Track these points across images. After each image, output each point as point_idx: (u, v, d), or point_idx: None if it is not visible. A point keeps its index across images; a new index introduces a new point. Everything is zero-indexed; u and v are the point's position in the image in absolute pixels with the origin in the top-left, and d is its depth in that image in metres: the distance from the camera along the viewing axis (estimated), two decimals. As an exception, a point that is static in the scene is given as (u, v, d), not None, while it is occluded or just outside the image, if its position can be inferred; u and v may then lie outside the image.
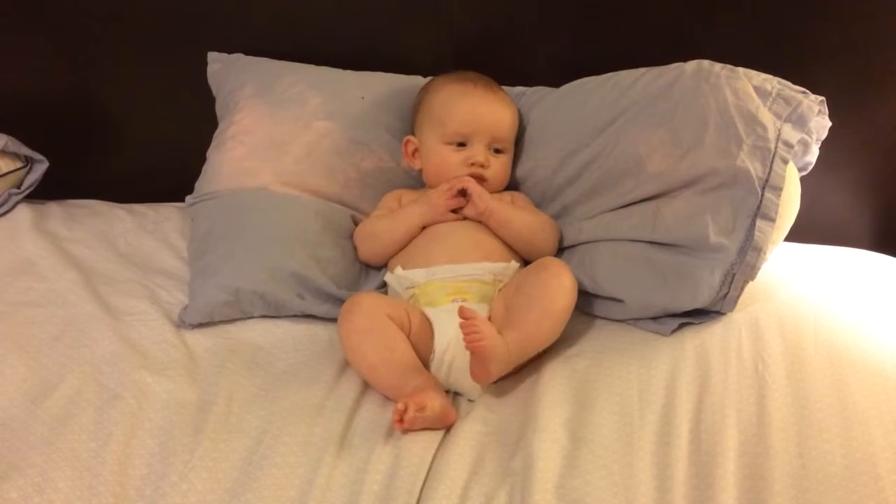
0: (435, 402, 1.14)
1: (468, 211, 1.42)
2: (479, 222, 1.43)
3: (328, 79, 1.59)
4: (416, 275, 1.36)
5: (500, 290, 1.34)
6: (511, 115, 1.50)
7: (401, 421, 1.11)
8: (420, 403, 1.12)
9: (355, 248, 1.48)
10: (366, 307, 1.26)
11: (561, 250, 1.47)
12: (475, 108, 1.45)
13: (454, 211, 1.43)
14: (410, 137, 1.51)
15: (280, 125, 1.53)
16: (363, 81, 1.59)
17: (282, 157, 1.50)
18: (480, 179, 1.45)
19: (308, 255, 1.40)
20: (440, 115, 1.47)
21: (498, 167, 1.48)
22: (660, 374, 1.21)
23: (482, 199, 1.41)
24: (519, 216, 1.44)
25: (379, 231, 1.45)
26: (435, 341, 1.27)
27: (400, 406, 1.12)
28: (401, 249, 1.43)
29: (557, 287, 1.26)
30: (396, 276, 1.38)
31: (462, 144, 1.46)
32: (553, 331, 1.25)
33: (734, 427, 1.12)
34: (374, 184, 1.53)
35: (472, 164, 1.45)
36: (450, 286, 1.33)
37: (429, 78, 1.57)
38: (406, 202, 1.49)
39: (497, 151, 1.48)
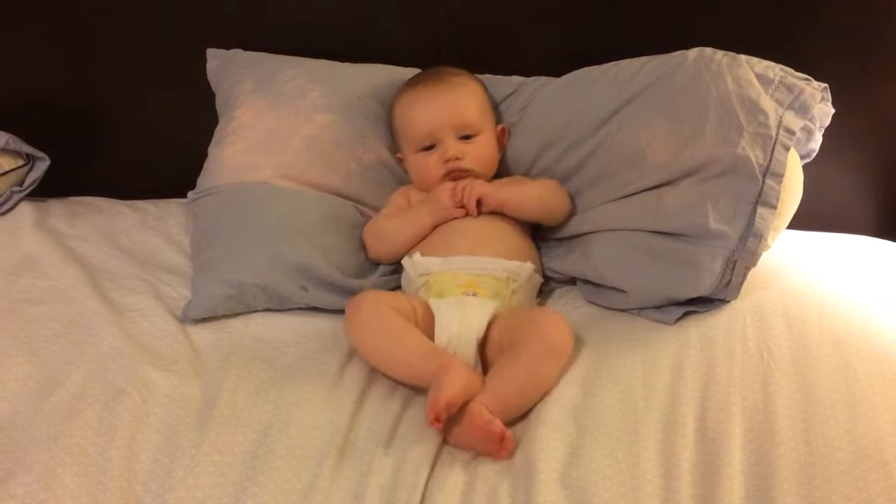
0: (457, 389, 1.10)
1: (483, 206, 1.41)
2: (496, 213, 1.42)
3: (327, 71, 1.58)
4: (432, 263, 1.36)
5: (512, 289, 1.33)
6: (470, 97, 1.48)
7: (437, 420, 1.09)
8: (451, 403, 1.09)
9: (365, 246, 1.47)
10: (369, 303, 1.25)
11: (563, 240, 1.47)
12: (426, 110, 1.46)
13: (463, 207, 1.42)
14: (398, 154, 1.52)
15: (280, 119, 1.52)
16: (362, 73, 1.59)
17: (282, 150, 1.50)
18: (463, 172, 1.45)
19: (311, 245, 1.40)
20: (402, 128, 1.49)
21: (476, 152, 1.46)
22: (664, 363, 1.20)
23: (492, 197, 1.41)
24: (529, 192, 1.44)
25: (388, 231, 1.45)
26: (436, 335, 1.27)
27: (433, 417, 1.09)
28: (412, 247, 1.42)
29: (551, 362, 1.19)
30: (413, 262, 1.38)
31: (432, 146, 1.46)
32: (538, 396, 1.18)
33: (740, 415, 1.11)
34: (375, 176, 1.53)
35: (447, 161, 1.44)
36: (463, 278, 1.33)
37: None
38: (415, 199, 1.49)
39: (468, 137, 1.46)
